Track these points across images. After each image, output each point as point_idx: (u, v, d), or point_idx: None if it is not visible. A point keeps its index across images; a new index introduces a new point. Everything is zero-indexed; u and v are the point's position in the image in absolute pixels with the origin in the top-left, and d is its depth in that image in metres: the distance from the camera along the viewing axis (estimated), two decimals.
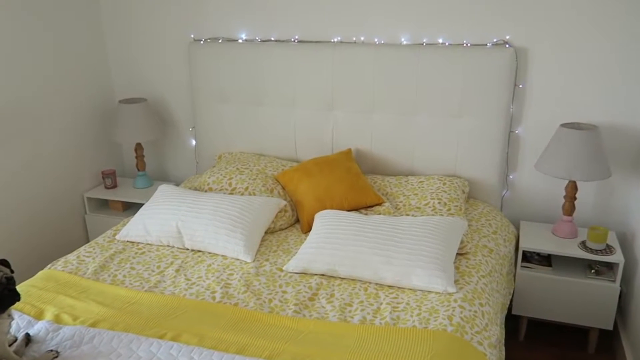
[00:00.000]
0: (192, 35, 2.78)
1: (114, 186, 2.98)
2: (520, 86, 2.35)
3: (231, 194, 2.38)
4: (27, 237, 2.62)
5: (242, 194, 2.37)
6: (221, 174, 2.47)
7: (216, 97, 2.76)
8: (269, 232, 2.25)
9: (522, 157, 2.47)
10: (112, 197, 2.89)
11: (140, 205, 2.90)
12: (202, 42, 2.73)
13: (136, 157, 2.95)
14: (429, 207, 2.26)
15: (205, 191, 2.43)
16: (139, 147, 2.93)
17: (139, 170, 2.96)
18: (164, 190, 2.38)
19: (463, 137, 2.42)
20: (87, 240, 3.00)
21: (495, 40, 2.32)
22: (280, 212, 2.30)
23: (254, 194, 2.36)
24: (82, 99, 2.86)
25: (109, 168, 3.07)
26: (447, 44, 2.39)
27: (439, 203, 2.25)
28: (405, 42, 2.45)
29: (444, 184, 2.37)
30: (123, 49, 2.95)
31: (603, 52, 2.20)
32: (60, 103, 2.73)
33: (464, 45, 2.36)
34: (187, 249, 2.14)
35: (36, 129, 2.61)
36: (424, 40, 2.42)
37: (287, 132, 2.69)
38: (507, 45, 2.30)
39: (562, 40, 2.24)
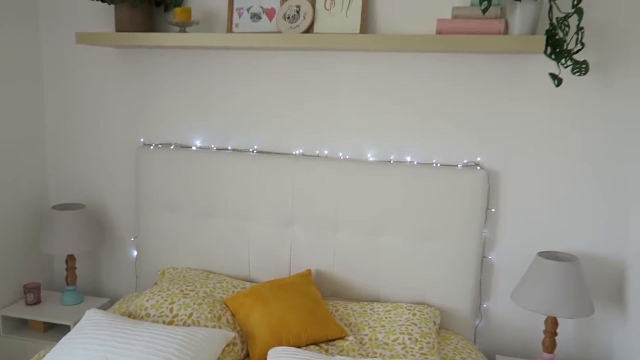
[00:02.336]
0: (142, 140, 2.57)
1: (37, 302, 2.60)
2: (493, 210, 2.21)
3: (171, 322, 2.06)
4: None
5: (184, 323, 2.05)
6: (162, 297, 2.16)
7: (163, 206, 2.50)
8: None
9: (496, 284, 2.28)
10: (33, 315, 2.50)
11: (65, 327, 2.52)
12: (152, 147, 2.51)
13: (66, 270, 2.60)
14: (399, 343, 1.99)
15: (142, 317, 2.10)
16: (70, 259, 2.60)
17: (68, 284, 2.60)
18: (91, 317, 2.03)
19: (433, 261, 2.23)
20: None
21: (466, 161, 2.21)
22: (228, 346, 1.98)
23: (199, 323, 2.04)
24: (10, 201, 2.54)
25: (33, 281, 2.69)
26: (415, 162, 2.26)
27: (410, 339, 2.00)
28: (371, 159, 2.31)
29: (414, 314, 2.13)
30: (64, 148, 2.70)
31: (579, 176, 2.11)
32: None
33: (434, 165, 2.23)
34: None
35: None
36: (392, 158, 2.29)
37: (241, 248, 2.43)
38: (478, 167, 2.18)
39: (536, 163, 2.14)
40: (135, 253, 2.67)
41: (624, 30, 1.96)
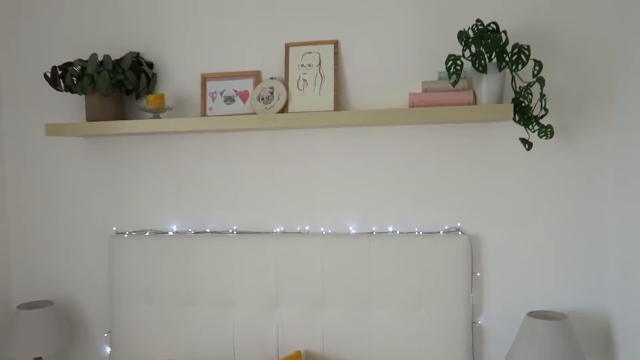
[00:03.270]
0: (115, 228, 2.49)
1: None
2: (478, 274, 2.22)
3: None
4: None
5: None
6: None
7: (139, 297, 2.39)
8: None
9: (488, 349, 2.26)
10: None
11: None
12: (125, 235, 2.43)
13: None
14: None
15: None
16: None
17: None
18: None
19: (423, 330, 2.20)
20: None
21: (447, 227, 2.24)
22: None
23: None
24: None
25: None
26: (397, 232, 2.27)
27: None
28: (353, 231, 2.31)
29: None
30: (29, 243, 2.58)
31: (557, 234, 2.17)
32: None
33: (416, 233, 2.25)
34: None
35: None
36: (374, 229, 2.30)
37: (224, 335, 2.32)
38: (459, 233, 2.22)
39: (515, 225, 2.20)
40: (108, 350, 2.50)
41: (581, 94, 2.10)
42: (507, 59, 1.93)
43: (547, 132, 1.97)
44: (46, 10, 2.49)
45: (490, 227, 2.22)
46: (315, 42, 2.26)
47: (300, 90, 2.24)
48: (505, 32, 1.96)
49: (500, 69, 1.94)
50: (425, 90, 2.06)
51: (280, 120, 2.13)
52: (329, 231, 2.33)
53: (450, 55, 1.92)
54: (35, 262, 2.58)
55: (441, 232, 2.24)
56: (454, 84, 1.93)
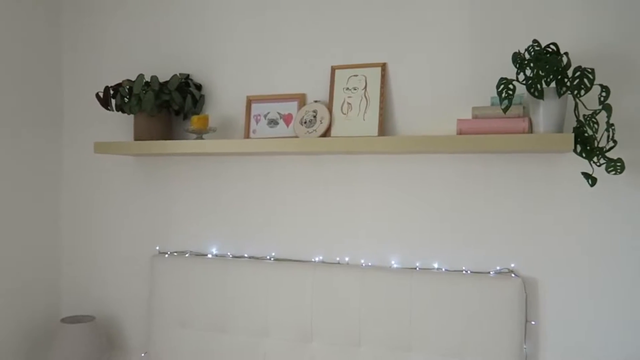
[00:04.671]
0: (157, 247, 2.49)
1: None
2: (533, 323, 1.98)
3: None
4: None
5: None
6: None
7: (175, 319, 2.36)
8: None
9: None
10: None
11: None
12: (167, 255, 2.42)
13: None
14: None
15: None
16: None
17: None
18: None
19: None
20: None
21: (498, 268, 2.03)
22: None
23: None
24: (18, 314, 2.44)
25: None
26: (443, 269, 2.09)
27: None
28: (395, 266, 2.16)
29: None
30: (79, 257, 2.64)
31: (631, 282, 1.89)
32: None
33: (464, 272, 2.06)
34: None
35: None
36: (417, 265, 2.13)
37: None
38: (512, 275, 2.00)
39: (577, 268, 1.95)
40: None
41: None
42: (567, 83, 1.73)
43: (616, 166, 1.73)
44: (104, 34, 2.59)
45: (548, 270, 1.98)
46: (362, 65, 2.16)
47: (344, 114, 2.15)
48: (566, 54, 1.76)
49: (559, 95, 1.74)
50: (475, 117, 1.90)
51: (322, 145, 2.04)
52: (369, 264, 2.19)
53: (502, 79, 1.76)
54: (82, 276, 2.64)
55: (492, 272, 2.03)
56: (505, 109, 1.76)
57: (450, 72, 2.07)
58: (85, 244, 2.63)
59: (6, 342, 2.39)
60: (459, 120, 1.89)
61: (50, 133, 2.59)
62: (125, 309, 2.56)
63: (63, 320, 2.43)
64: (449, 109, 2.05)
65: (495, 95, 1.84)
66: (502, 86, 1.76)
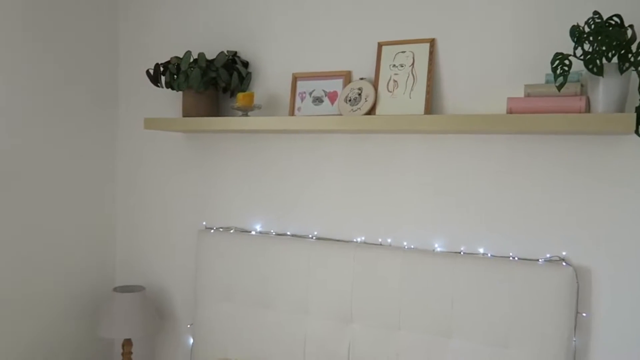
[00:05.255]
0: (204, 223, 2.54)
1: None
2: (585, 314, 1.87)
3: None
4: None
5: None
6: None
7: (220, 293, 2.41)
8: None
9: None
10: None
11: None
12: (212, 230, 2.47)
13: (122, 355, 2.53)
14: None
15: None
16: (127, 343, 2.53)
17: None
18: None
19: None
20: None
21: (548, 255, 1.93)
22: None
23: None
24: (76, 282, 2.58)
25: None
26: (489, 255, 2.01)
27: None
28: (439, 249, 2.09)
29: None
30: (131, 229, 2.74)
31: None
32: (48, 284, 2.44)
33: (511, 258, 1.97)
34: None
35: (11, 314, 2.29)
36: (462, 249, 2.06)
37: (296, 344, 2.24)
38: (564, 263, 1.89)
39: (635, 259, 1.81)
40: (191, 341, 2.56)
41: None
42: (631, 58, 1.59)
43: None
44: (157, 12, 2.63)
45: (602, 260, 1.86)
46: (410, 40, 2.09)
47: (390, 92, 2.09)
48: (631, 26, 1.62)
49: (621, 71, 1.60)
50: (527, 95, 1.79)
51: (366, 123, 1.99)
52: (412, 246, 2.13)
53: (557, 54, 1.64)
54: (134, 248, 2.74)
55: (541, 260, 1.93)
56: (560, 87, 1.64)
57: (502, 48, 1.96)
58: (137, 217, 2.73)
59: (66, 307, 2.53)
60: (509, 98, 1.79)
61: (106, 109, 2.69)
62: (173, 281, 2.64)
63: (115, 289, 2.54)
64: (500, 87, 1.95)
65: (550, 72, 1.73)
66: (557, 62, 1.64)
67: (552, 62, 1.64)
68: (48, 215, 2.43)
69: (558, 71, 1.64)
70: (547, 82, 1.78)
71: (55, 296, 2.49)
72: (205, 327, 2.45)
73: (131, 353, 2.55)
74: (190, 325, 2.57)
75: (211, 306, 2.43)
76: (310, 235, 2.32)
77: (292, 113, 2.28)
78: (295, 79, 2.29)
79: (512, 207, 1.98)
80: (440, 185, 2.09)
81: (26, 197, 2.33)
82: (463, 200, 2.05)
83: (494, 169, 2.00)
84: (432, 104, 2.06)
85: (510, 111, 1.79)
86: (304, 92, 2.26)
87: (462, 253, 2.05)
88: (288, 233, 2.36)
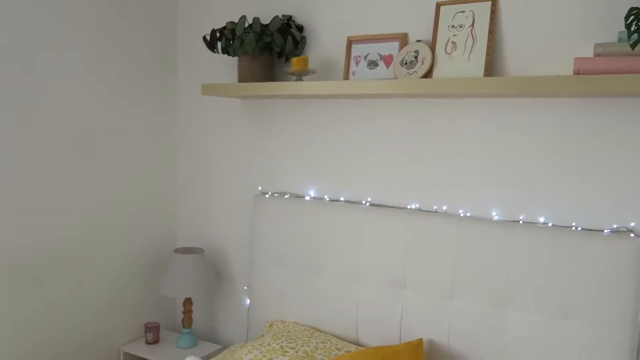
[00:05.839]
0: (260, 188, 2.58)
1: (156, 341, 2.68)
2: None
3: None
4: None
5: None
6: (260, 352, 2.07)
7: (275, 256, 2.45)
8: None
9: None
10: (151, 355, 2.57)
11: None
12: (267, 195, 2.50)
13: (184, 313, 2.65)
14: None
15: None
16: (187, 302, 2.65)
17: (184, 327, 2.65)
18: None
19: (570, 343, 1.84)
20: None
21: (615, 226, 1.82)
22: None
23: None
24: (141, 243, 2.70)
25: (153, 321, 2.80)
26: (550, 224, 1.92)
27: None
28: (496, 218, 2.03)
29: None
30: (191, 193, 2.83)
31: None
32: (117, 245, 2.58)
33: (573, 228, 1.88)
34: None
35: (82, 268, 2.44)
36: (521, 218, 1.98)
37: (349, 308, 2.26)
38: (632, 235, 1.78)
39: None
40: (248, 302, 2.64)
41: None
42: None
43: None
44: None
45: None
46: None
47: (448, 54, 2.01)
48: None
49: None
50: (597, 55, 1.67)
51: (422, 86, 1.93)
52: (468, 214, 2.08)
53: (632, 9, 1.51)
54: (194, 212, 2.83)
55: (607, 231, 1.83)
56: (634, 45, 1.52)
57: (570, 4, 1.83)
58: (197, 182, 2.81)
59: (130, 267, 2.67)
60: (577, 58, 1.68)
61: (166, 76, 2.75)
62: (231, 244, 2.71)
63: (176, 251, 2.64)
64: (566, 47, 1.83)
65: (623, 29, 1.60)
66: (632, 17, 1.51)
67: (626, 18, 1.52)
68: (115, 181, 2.54)
69: (632, 28, 1.51)
70: (620, 40, 1.65)
71: (124, 257, 2.63)
72: (261, 289, 2.51)
73: (192, 311, 2.66)
74: (247, 287, 2.64)
75: (266, 269, 2.49)
76: (363, 202, 2.31)
77: (346, 77, 2.24)
78: (350, 42, 2.24)
79: (576, 174, 1.88)
80: (500, 151, 2.01)
81: (95, 165, 2.44)
82: (524, 167, 1.97)
83: (558, 134, 1.90)
84: (492, 66, 1.96)
85: (577, 72, 1.68)
86: (359, 56, 2.22)
87: (520, 222, 1.98)
88: (342, 199, 2.36)
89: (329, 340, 2.21)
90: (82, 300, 2.46)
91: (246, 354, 2.08)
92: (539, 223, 1.95)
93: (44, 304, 2.30)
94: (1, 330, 2.16)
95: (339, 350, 2.13)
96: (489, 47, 1.93)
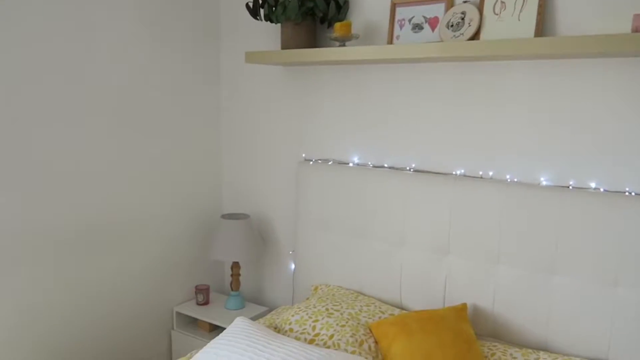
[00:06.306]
0: (304, 155, 2.61)
1: (206, 303, 2.79)
2: None
3: (312, 340, 2.01)
4: (109, 347, 2.47)
5: (325, 343, 1.98)
6: (307, 314, 2.13)
7: (319, 222, 2.49)
8: None
9: None
10: (202, 315, 2.68)
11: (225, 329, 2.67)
12: (311, 162, 2.53)
13: (232, 276, 2.74)
14: None
15: (286, 332, 2.09)
16: (235, 266, 2.74)
17: (232, 289, 2.75)
18: (238, 325, 2.08)
19: (620, 313, 1.81)
20: (170, 358, 2.80)
21: None
22: None
23: (339, 345, 1.95)
24: (190, 208, 2.79)
25: (203, 283, 2.91)
26: (602, 190, 1.87)
27: None
28: (545, 183, 1.99)
29: None
30: (236, 160, 2.88)
31: None
32: (167, 211, 2.67)
33: (627, 194, 1.82)
34: None
35: (137, 234, 2.55)
36: (571, 183, 1.93)
37: (392, 273, 2.29)
38: None
39: None
40: (293, 266, 2.70)
41: None
42: None
43: None
44: None
45: None
46: None
47: (497, 14, 1.95)
48: None
49: None
50: None
51: (469, 49, 1.88)
52: (515, 180, 2.04)
53: None
54: (239, 178, 2.89)
55: None
56: None
57: None
58: (241, 149, 2.85)
59: (182, 233, 2.77)
60: (635, 15, 1.60)
61: (209, 44, 2.78)
62: (275, 210, 2.76)
63: (223, 217, 2.72)
64: (624, 3, 1.74)
65: None
66: None
67: None
68: (164, 151, 2.62)
69: None
70: None
71: (175, 223, 2.72)
72: (305, 254, 2.57)
73: (239, 275, 2.75)
74: (292, 252, 2.70)
75: (311, 234, 2.53)
76: (408, 168, 2.30)
77: (390, 42, 2.21)
78: (394, 5, 2.20)
79: (632, 138, 1.81)
80: (549, 115, 1.95)
81: (146, 136, 2.52)
82: (575, 131, 1.91)
83: (612, 96, 1.83)
84: (543, 26, 1.89)
85: (636, 30, 1.60)
86: (403, 19, 2.18)
87: (570, 187, 1.93)
88: (385, 165, 2.36)
89: (372, 303, 2.25)
90: (138, 264, 2.58)
91: (293, 315, 2.14)
92: (590, 188, 1.90)
93: (106, 266, 2.43)
94: (67, 289, 2.29)
95: (382, 313, 2.17)
96: (540, 5, 1.86)
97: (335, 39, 2.20)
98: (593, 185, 1.90)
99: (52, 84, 2.15)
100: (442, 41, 2.02)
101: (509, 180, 2.06)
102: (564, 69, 1.91)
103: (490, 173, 2.10)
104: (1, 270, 2.08)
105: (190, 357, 2.07)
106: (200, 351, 1.97)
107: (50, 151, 2.18)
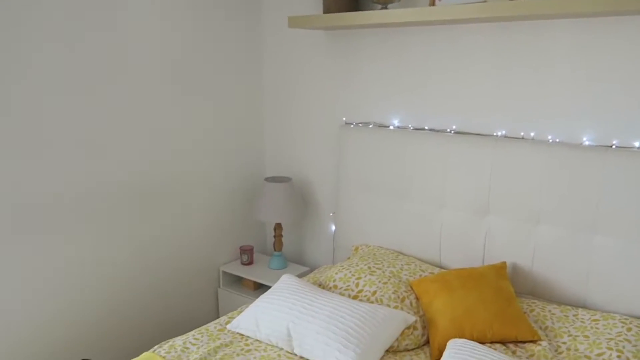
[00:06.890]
0: (344, 118, 2.66)
1: (250, 263, 2.92)
2: None
3: (356, 296, 2.10)
4: (159, 304, 2.63)
5: (368, 299, 2.07)
6: (350, 272, 2.22)
7: (359, 184, 2.56)
8: (391, 351, 1.90)
9: None
10: (246, 274, 2.81)
11: (269, 288, 2.78)
12: (352, 125, 2.58)
13: (274, 237, 2.85)
14: (604, 359, 1.70)
15: (330, 288, 2.19)
16: (278, 227, 2.84)
17: (275, 250, 2.86)
18: (285, 281, 2.19)
19: None
20: (217, 315, 2.95)
21: None
22: (407, 329, 1.94)
23: (381, 301, 2.04)
24: (234, 172, 2.89)
25: (247, 244, 3.03)
26: None
27: (619, 357, 1.68)
28: (587, 143, 2.00)
29: (629, 329, 1.79)
30: (278, 125, 2.95)
31: None
32: (212, 175, 2.78)
33: None
34: (296, 355, 1.89)
35: (185, 197, 2.67)
36: (614, 143, 1.94)
37: (432, 234, 2.35)
38: None
39: None
40: (333, 228, 2.79)
41: None
42: None
43: None
44: None
45: None
46: None
47: None
48: None
49: None
50: None
51: (512, 9, 1.88)
52: (557, 140, 2.06)
53: None
54: (281, 142, 2.96)
55: None
56: None
57: None
58: (283, 114, 2.92)
59: (225, 196, 2.87)
60: None
61: (251, 10, 2.82)
62: (317, 173, 2.84)
63: (266, 179, 2.81)
64: None
65: None
66: None
67: None
68: (208, 116, 2.70)
69: None
70: None
71: (220, 187, 2.83)
72: (346, 215, 2.65)
73: (282, 236, 2.86)
74: (332, 213, 2.78)
75: (351, 197, 2.61)
76: (448, 130, 2.33)
77: (432, 3, 2.21)
78: None
79: None
80: (592, 74, 1.95)
81: (192, 102, 2.60)
82: (617, 90, 1.91)
83: None
84: None
85: None
86: None
87: (614, 147, 1.94)
88: (426, 128, 2.39)
89: (413, 262, 2.32)
90: (187, 225, 2.71)
91: (337, 273, 2.24)
92: (634, 147, 1.90)
93: (157, 227, 2.56)
94: (123, 249, 2.44)
95: (423, 271, 2.24)
96: None
97: (377, 2, 2.21)
98: (637, 145, 1.90)
99: (121, 52, 2.24)
100: (485, 1, 2.02)
101: (550, 140, 2.07)
102: (605, 27, 1.89)
103: (532, 134, 2.12)
104: (66, 228, 2.23)
105: (241, 312, 2.20)
106: (252, 304, 2.09)
107: (111, 117, 2.29)
